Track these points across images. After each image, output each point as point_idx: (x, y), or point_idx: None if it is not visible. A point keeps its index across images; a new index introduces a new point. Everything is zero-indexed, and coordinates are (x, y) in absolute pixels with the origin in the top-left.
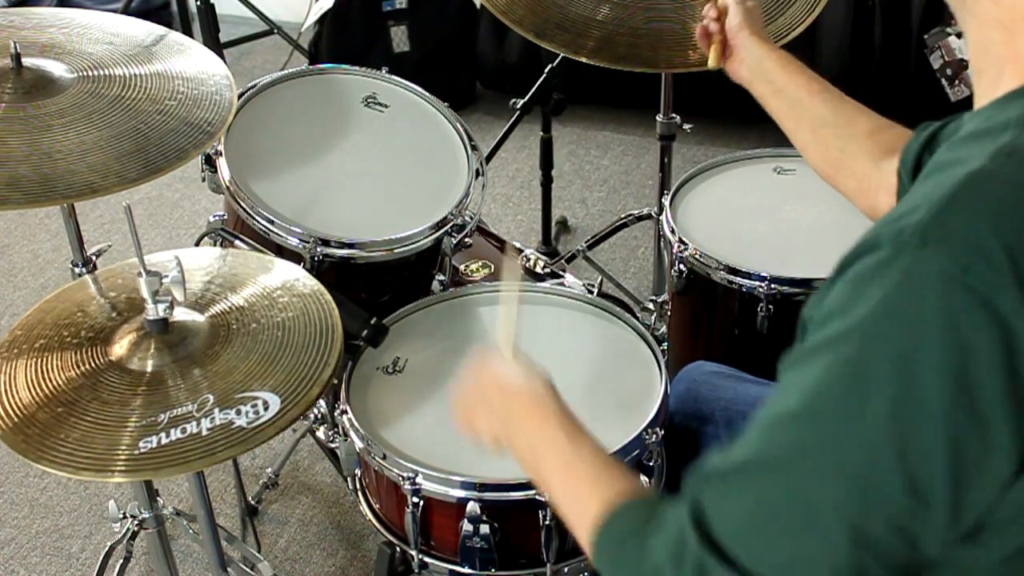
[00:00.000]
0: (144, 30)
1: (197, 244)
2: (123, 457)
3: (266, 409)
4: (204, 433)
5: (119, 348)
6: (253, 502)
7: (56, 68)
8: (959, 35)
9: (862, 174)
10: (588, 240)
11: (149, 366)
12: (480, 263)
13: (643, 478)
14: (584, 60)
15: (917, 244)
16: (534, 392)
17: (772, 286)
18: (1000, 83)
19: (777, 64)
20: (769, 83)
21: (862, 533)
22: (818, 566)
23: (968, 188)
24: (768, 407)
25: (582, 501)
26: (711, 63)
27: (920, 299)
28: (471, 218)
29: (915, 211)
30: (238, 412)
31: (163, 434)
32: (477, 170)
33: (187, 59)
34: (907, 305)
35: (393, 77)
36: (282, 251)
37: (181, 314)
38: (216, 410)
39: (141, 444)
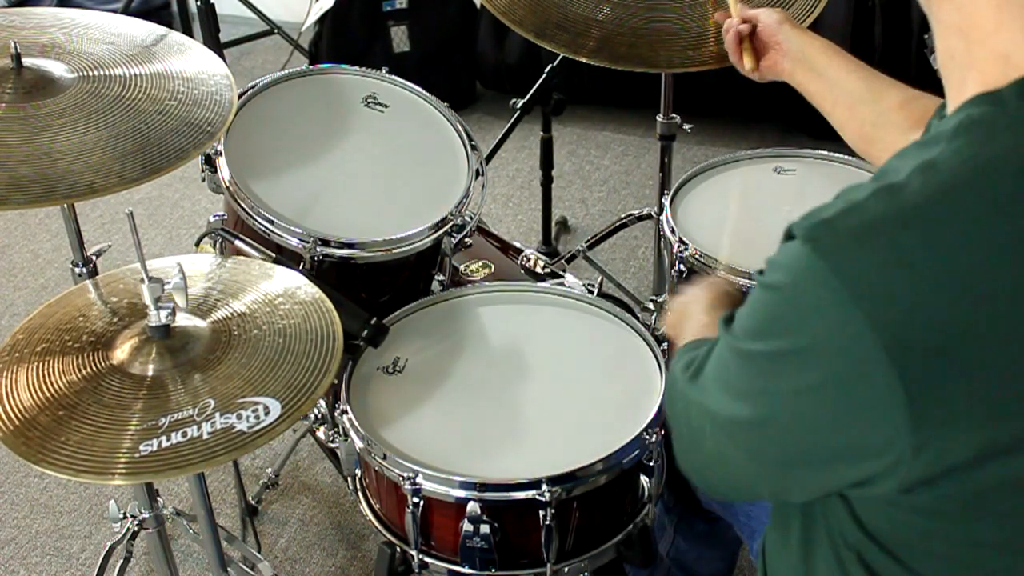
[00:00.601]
0: (144, 30)
1: (197, 244)
2: (123, 460)
3: (267, 414)
4: (205, 437)
5: (120, 353)
6: (253, 502)
7: (56, 68)
8: None
9: (892, 146)
10: (588, 240)
11: (150, 371)
12: (480, 263)
13: (643, 479)
14: (584, 60)
15: (805, 238)
16: (699, 307)
17: None
18: (964, 91)
19: (819, 51)
20: (811, 69)
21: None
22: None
23: (870, 201)
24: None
25: None
26: (748, 66)
27: (799, 289)
28: (471, 218)
29: (829, 208)
30: (239, 417)
31: (163, 438)
32: (477, 170)
33: (187, 59)
34: (792, 292)
35: (393, 77)
36: (282, 251)
37: (183, 320)
38: (217, 414)
39: (141, 447)
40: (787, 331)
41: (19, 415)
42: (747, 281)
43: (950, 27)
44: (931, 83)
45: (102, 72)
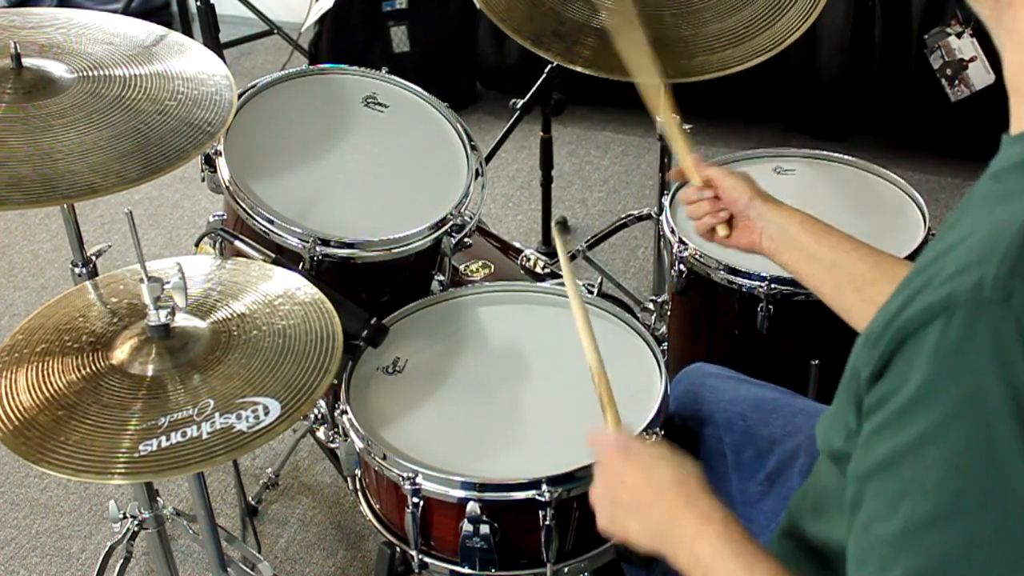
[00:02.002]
0: (144, 30)
1: (197, 244)
2: (123, 460)
3: (266, 414)
4: (204, 437)
5: (120, 353)
6: (253, 502)
7: (56, 68)
8: (959, 35)
9: None
10: (588, 240)
11: (150, 371)
12: (480, 263)
13: None
14: (579, 69)
15: (1002, 299)
16: (681, 485)
17: (772, 286)
18: None
19: (801, 227)
20: (798, 249)
21: None
22: None
23: None
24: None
25: None
26: (722, 234)
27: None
28: (471, 218)
29: (983, 262)
30: (238, 417)
31: (163, 437)
32: (477, 170)
33: (187, 59)
34: (1007, 357)
35: (393, 77)
36: (282, 251)
37: (182, 320)
38: (216, 414)
39: (141, 447)
40: None
41: (19, 415)
42: (746, 281)
43: None
44: (931, 83)
45: (102, 72)
